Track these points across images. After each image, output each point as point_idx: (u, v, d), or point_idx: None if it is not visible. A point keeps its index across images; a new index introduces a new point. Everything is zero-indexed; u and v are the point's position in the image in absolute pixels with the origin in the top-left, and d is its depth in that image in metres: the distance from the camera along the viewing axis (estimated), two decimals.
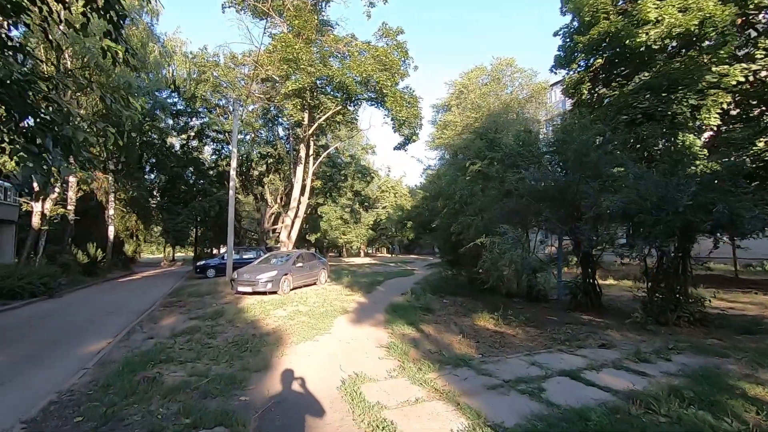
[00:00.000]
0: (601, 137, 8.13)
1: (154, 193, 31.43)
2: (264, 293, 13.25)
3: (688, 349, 6.05)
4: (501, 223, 8.23)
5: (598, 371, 5.04)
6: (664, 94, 10.86)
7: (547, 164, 8.20)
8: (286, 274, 13.88)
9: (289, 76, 15.94)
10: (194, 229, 33.07)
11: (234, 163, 16.73)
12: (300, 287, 14.96)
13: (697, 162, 9.22)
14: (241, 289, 13.25)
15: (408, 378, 4.90)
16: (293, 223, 19.46)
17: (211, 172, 31.15)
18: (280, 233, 19.24)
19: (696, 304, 7.49)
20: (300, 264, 14.91)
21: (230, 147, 26.88)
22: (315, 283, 16.19)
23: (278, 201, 29.94)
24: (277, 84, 18.62)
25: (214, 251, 36.94)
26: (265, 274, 13.34)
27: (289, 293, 13.58)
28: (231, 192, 16.46)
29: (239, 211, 38.33)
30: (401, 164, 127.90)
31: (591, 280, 8.89)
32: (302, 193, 20.84)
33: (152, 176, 32.05)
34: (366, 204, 31.47)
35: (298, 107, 16.78)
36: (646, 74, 11.37)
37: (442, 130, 30.66)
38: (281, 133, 29.09)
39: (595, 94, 12.73)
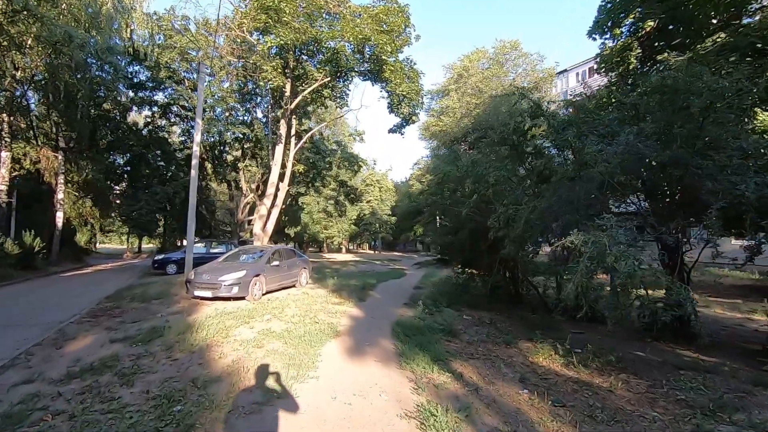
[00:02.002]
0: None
1: (119, 177, 27.75)
2: (228, 299, 10.42)
3: None
4: (564, 214, 5.72)
5: None
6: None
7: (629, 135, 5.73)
8: (257, 275, 11.05)
9: (268, 30, 13.01)
10: (161, 219, 29.67)
11: (198, 137, 13.72)
12: (275, 291, 12.15)
13: None
14: (198, 293, 10.36)
15: None
16: (270, 213, 16.55)
17: (179, 155, 27.74)
18: (254, 225, 16.35)
19: None
20: (276, 262, 12.08)
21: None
22: (294, 286, 13.39)
23: (255, 189, 26.81)
24: (255, 48, 15.58)
25: (185, 243, 33.31)
26: (231, 274, 10.49)
27: (260, 299, 10.78)
28: (193, 172, 13.46)
29: (211, 199, 34.97)
30: (387, 158, 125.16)
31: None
32: (281, 179, 17.90)
33: (115, 157, 28.37)
34: (352, 196, 28.64)
35: (278, 70, 13.88)
36: (723, 35, 8.99)
37: (438, 116, 28.07)
38: (260, 115, 25.99)
39: (651, 62, 10.29)
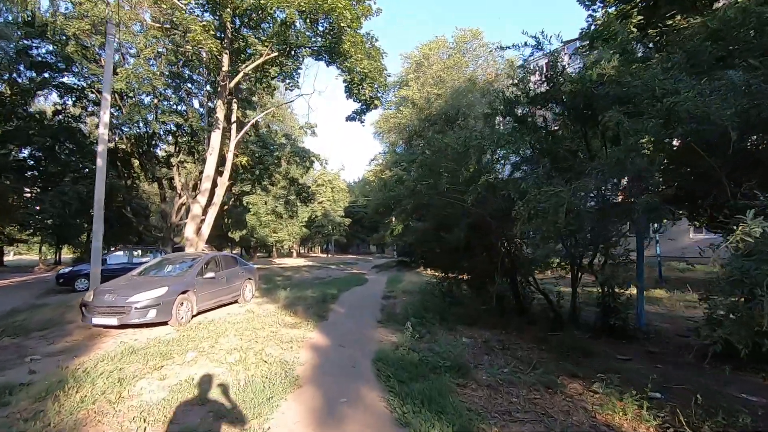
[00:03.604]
0: None
1: (21, 175, 23.09)
2: (141, 326, 7.77)
3: None
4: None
5: None
6: None
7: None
8: (185, 292, 8.45)
9: None
10: (86, 224, 25.29)
11: (106, 117, 10.74)
12: (211, 310, 9.58)
13: None
14: (98, 320, 7.59)
15: None
16: (206, 212, 13.72)
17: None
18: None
19: None
20: (211, 274, 9.47)
21: (120, 113, 20.11)
22: (236, 302, 10.84)
23: (192, 188, 23.41)
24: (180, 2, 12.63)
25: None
26: (146, 293, 7.82)
27: (189, 324, 8.20)
28: (100, 162, 10.49)
29: (141, 202, 30.77)
30: (339, 157, 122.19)
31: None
32: (219, 173, 15.08)
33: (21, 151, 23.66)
34: (304, 195, 25.97)
35: (211, 32, 11.20)
36: None
37: (397, 108, 26.15)
38: (197, 105, 22.70)
39: (661, 28, 8.93)
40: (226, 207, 27.58)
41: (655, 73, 4.10)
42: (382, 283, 16.36)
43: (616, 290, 6.28)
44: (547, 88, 6.20)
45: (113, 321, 7.52)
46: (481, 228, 7.31)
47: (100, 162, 10.52)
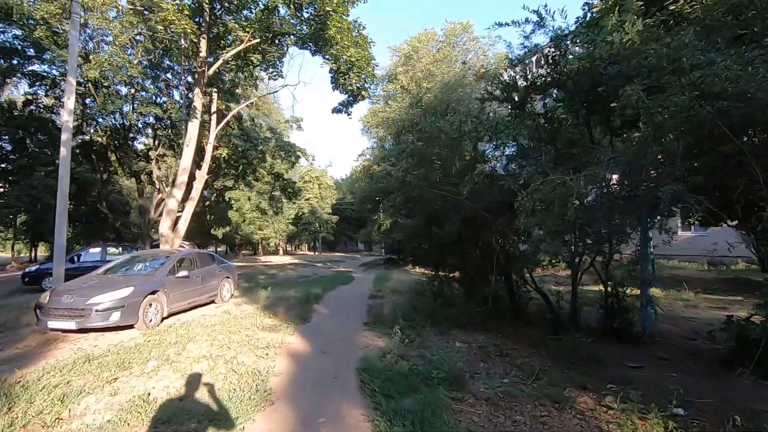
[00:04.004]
0: None
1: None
2: (105, 330, 7.09)
3: None
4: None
5: None
6: None
7: None
8: (154, 292, 7.76)
9: None
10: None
11: (71, 103, 9.93)
12: (184, 311, 8.89)
13: None
14: (54, 324, 6.86)
15: None
16: (182, 207, 12.94)
17: (72, 141, 22.54)
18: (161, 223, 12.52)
19: None
20: (184, 273, 8.76)
21: (95, 104, 19.10)
22: (213, 302, 10.15)
23: (172, 184, 22.45)
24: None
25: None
26: (109, 294, 7.12)
27: (159, 327, 7.53)
28: (63, 150, 9.68)
29: (119, 198, 29.62)
30: (326, 154, 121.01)
31: None
32: (198, 166, 14.28)
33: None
34: (289, 190, 25.16)
35: (186, 12, 10.38)
36: None
37: (385, 101, 25.49)
38: (178, 97, 21.74)
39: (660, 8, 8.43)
40: (208, 203, 26.59)
41: (686, 40, 3.57)
42: (369, 282, 15.78)
43: (620, 290, 5.81)
44: (549, 70, 5.67)
45: (71, 325, 6.80)
46: (475, 223, 6.79)
47: (64, 151, 9.71)
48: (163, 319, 7.99)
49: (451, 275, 8.30)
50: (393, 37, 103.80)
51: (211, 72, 12.94)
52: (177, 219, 12.57)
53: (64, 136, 9.73)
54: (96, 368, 5.04)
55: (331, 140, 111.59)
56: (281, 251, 51.38)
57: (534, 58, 6.68)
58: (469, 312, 7.21)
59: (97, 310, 6.84)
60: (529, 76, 6.41)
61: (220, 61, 12.95)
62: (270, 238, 42.07)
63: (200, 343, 6.30)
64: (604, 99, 5.06)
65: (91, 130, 22.12)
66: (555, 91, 6.12)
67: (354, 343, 6.18)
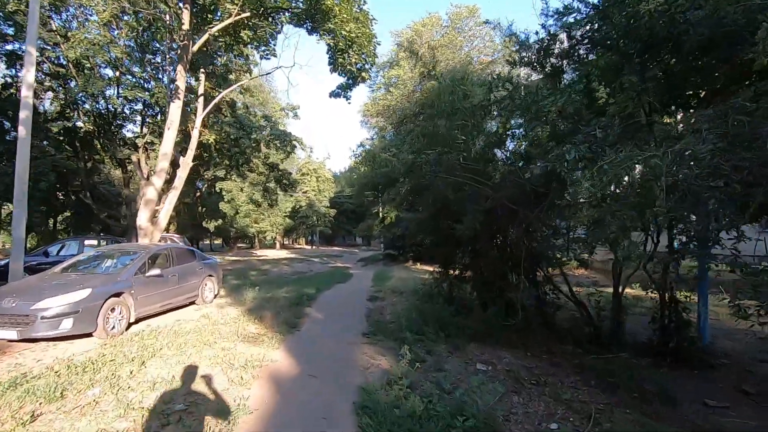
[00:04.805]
0: None
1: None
2: (54, 339, 5.97)
3: None
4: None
5: None
6: None
7: None
8: (118, 294, 6.64)
9: None
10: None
11: (30, 76, 8.70)
12: (159, 315, 7.77)
13: None
14: None
15: None
16: (164, 197, 11.74)
17: (53, 127, 21.33)
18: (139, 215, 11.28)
19: None
20: (156, 271, 7.59)
21: (77, 86, 17.82)
22: (194, 303, 9.04)
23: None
24: None
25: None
26: (60, 297, 5.99)
27: (123, 335, 6.40)
28: (22, 129, 8.46)
29: (108, 187, 28.34)
30: (324, 146, 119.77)
31: None
32: (182, 152, 13.07)
33: None
34: (284, 182, 23.93)
35: None
36: None
37: (387, 89, 24.17)
38: (167, 81, 20.46)
39: None
40: (199, 194, 25.34)
41: None
42: (368, 280, 14.66)
43: (681, 299, 4.68)
44: (598, 26, 4.51)
45: (12, 334, 5.67)
46: (494, 215, 5.65)
47: (23, 131, 8.49)
48: (130, 325, 6.87)
49: (463, 275, 7.17)
50: (396, 24, 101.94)
51: (195, 48, 11.68)
52: (156, 210, 11.37)
53: (23, 114, 8.52)
54: (19, 397, 3.91)
55: (330, 134, 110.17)
56: (278, 245, 50.24)
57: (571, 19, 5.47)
58: (487, 322, 6.09)
59: (43, 317, 5.70)
60: (564, 42, 5.24)
61: (205, 36, 11.69)
62: (266, 232, 40.91)
63: (165, 359, 5.17)
64: (667, 60, 3.91)
65: (75, 115, 20.86)
66: (599, 53, 4.96)
67: (351, 362, 5.05)
